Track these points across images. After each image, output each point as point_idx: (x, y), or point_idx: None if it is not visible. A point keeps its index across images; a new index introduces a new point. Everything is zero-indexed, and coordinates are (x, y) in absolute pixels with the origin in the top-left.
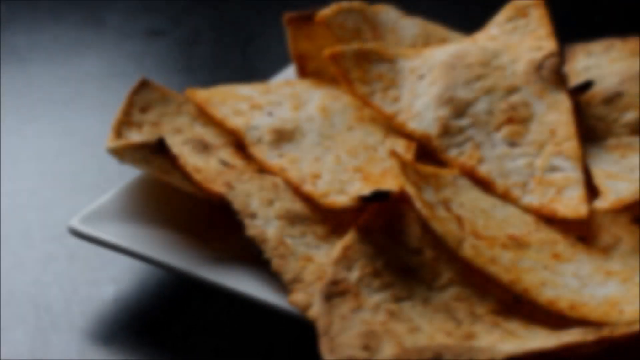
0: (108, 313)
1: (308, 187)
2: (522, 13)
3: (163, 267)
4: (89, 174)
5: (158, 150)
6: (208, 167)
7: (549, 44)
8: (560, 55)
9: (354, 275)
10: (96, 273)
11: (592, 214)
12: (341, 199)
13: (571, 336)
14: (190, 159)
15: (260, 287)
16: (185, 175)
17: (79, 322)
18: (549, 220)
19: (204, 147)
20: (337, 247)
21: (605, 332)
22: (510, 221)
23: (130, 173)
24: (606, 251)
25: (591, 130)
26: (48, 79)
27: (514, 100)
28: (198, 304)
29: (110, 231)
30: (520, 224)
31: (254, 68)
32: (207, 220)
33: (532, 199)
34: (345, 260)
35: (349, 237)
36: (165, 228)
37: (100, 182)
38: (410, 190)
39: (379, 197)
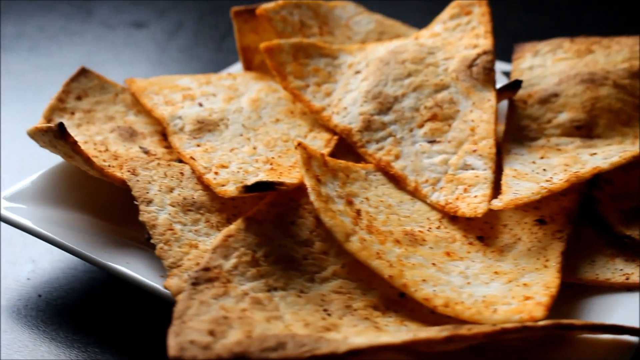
0: (22, 290)
1: (209, 177)
2: (465, 11)
3: (62, 248)
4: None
5: (59, 135)
6: (127, 154)
7: (485, 42)
8: (494, 54)
9: (230, 263)
10: (17, 253)
11: (499, 213)
12: (229, 189)
13: (425, 333)
14: (113, 145)
15: (146, 271)
16: (86, 160)
17: None
18: (454, 218)
19: (130, 135)
20: (220, 235)
21: (459, 331)
22: (413, 217)
23: None
24: (502, 251)
25: (523, 130)
26: (27, 68)
27: (440, 98)
28: (111, 284)
29: (21, 213)
30: (423, 221)
31: (227, 62)
32: (121, 206)
33: (439, 196)
34: (223, 248)
35: (233, 226)
36: (79, 212)
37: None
38: (309, 182)
39: (261, 188)
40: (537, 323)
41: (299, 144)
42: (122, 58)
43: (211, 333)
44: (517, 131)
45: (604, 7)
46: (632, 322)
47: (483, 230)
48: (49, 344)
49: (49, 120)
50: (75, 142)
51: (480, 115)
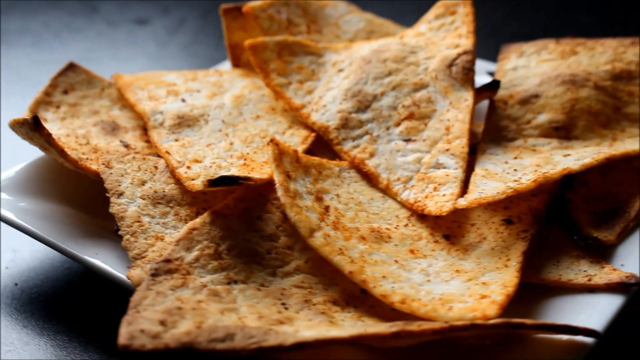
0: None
1: (180, 171)
2: (450, 11)
3: (34, 237)
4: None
5: (34, 127)
6: (107, 147)
7: (466, 42)
8: (475, 54)
9: (191, 255)
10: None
11: (467, 213)
12: (197, 183)
13: (375, 328)
14: (94, 139)
15: (114, 262)
16: (60, 152)
17: None
18: (423, 216)
19: (112, 129)
20: (184, 228)
21: (407, 327)
22: (382, 215)
23: None
24: (467, 250)
25: (502, 130)
26: (28, 62)
27: (418, 97)
28: (86, 275)
29: (3, 204)
30: (391, 218)
31: (225, 59)
32: (100, 198)
33: (409, 194)
34: (186, 241)
35: (198, 219)
36: (58, 204)
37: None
38: (277, 178)
39: (225, 182)
40: (488, 321)
41: (271, 140)
42: (121, 54)
43: (162, 323)
44: (495, 131)
45: (605, 7)
46: (591, 323)
47: (450, 229)
48: (20, 331)
49: (34, 113)
50: (50, 135)
51: (456, 114)
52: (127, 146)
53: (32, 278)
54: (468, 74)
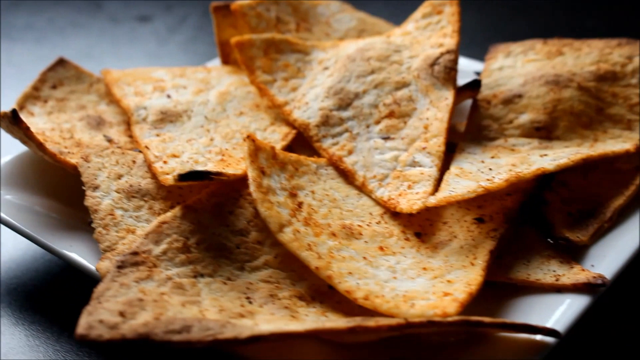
0: None
1: (156, 165)
2: (437, 10)
3: (12, 229)
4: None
5: (13, 121)
6: (91, 141)
7: (450, 42)
8: (458, 53)
9: (159, 248)
10: None
11: (441, 211)
12: (169, 177)
13: (332, 323)
14: (79, 133)
15: (87, 254)
16: (38, 146)
17: None
18: (396, 214)
19: (97, 124)
20: (155, 221)
21: (363, 323)
22: (356, 212)
23: None
24: (436, 247)
25: (484, 130)
26: (29, 58)
27: (400, 95)
28: (67, 268)
29: None
30: (365, 215)
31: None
32: (82, 191)
33: (384, 192)
34: (156, 234)
35: (169, 213)
36: (41, 197)
37: None
38: (251, 173)
39: (195, 177)
40: (446, 319)
41: (248, 136)
42: (121, 51)
43: (122, 314)
44: (477, 131)
45: (607, 9)
46: (554, 323)
47: (422, 227)
48: None
49: (21, 107)
50: (28, 128)
51: (435, 113)
52: (110, 141)
53: (13, 269)
54: (450, 73)
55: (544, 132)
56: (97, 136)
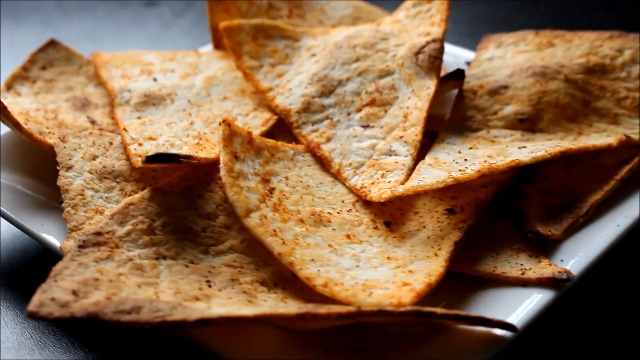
0: None
1: (131, 147)
2: None
3: None
4: None
5: None
6: (74, 122)
7: (437, 31)
8: (443, 42)
9: (123, 229)
10: None
11: (413, 201)
12: (139, 159)
13: (283, 309)
14: (63, 114)
15: (58, 233)
16: (15, 125)
17: None
18: (369, 202)
19: (82, 105)
20: (122, 202)
21: (313, 309)
22: (328, 199)
23: None
24: (404, 237)
25: (467, 120)
26: (32, 40)
27: (382, 84)
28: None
29: None
30: (337, 203)
31: None
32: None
33: (358, 180)
34: (121, 215)
35: (137, 195)
36: (23, 176)
37: None
38: (223, 157)
39: (161, 159)
40: (398, 309)
41: (224, 121)
42: (124, 35)
43: (75, 293)
44: (460, 121)
45: (616, 1)
46: (514, 317)
47: (393, 216)
48: None
49: (9, 87)
50: (5, 108)
51: (416, 102)
52: (93, 122)
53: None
54: (434, 62)
55: (528, 124)
56: (81, 117)
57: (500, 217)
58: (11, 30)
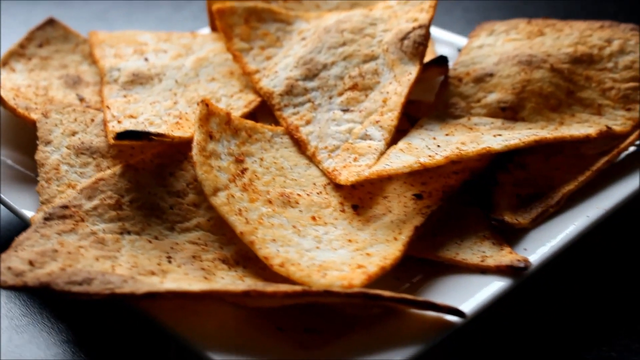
0: None
1: (110, 124)
2: None
3: None
4: None
5: None
6: (63, 99)
7: (424, 17)
8: (429, 28)
9: (91, 204)
10: None
11: (384, 185)
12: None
13: (232, 286)
14: (54, 91)
15: (33, 206)
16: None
17: None
18: (340, 185)
19: (74, 83)
20: (93, 177)
21: (258, 287)
22: (300, 181)
23: None
24: (369, 221)
25: (450, 107)
26: (36, 20)
27: (366, 68)
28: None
29: None
30: (308, 185)
31: None
32: None
33: (331, 163)
34: (90, 190)
35: (109, 171)
36: (11, 150)
37: None
38: (197, 137)
39: (131, 136)
40: (344, 290)
41: (202, 101)
42: (135, 16)
43: (31, 263)
44: (443, 108)
45: None
46: (469, 303)
47: (362, 200)
48: None
49: (4, 64)
50: None
51: (396, 87)
52: (82, 100)
53: None
54: (418, 48)
55: (510, 112)
56: (70, 94)
57: (472, 204)
58: (27, 9)
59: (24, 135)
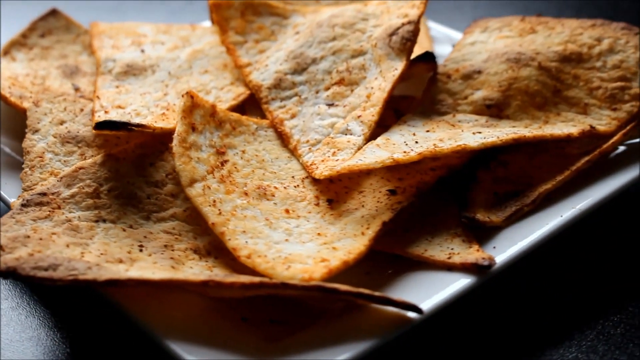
0: None
1: (96, 115)
2: None
3: None
4: None
5: None
6: (59, 89)
7: (414, 12)
8: (418, 24)
9: (69, 191)
10: None
11: (361, 180)
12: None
13: (194, 277)
14: (51, 80)
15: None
16: None
17: None
18: (317, 179)
19: (71, 73)
20: (73, 166)
21: (216, 278)
22: (279, 174)
23: None
24: (341, 215)
25: (437, 104)
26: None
27: (354, 63)
28: None
29: None
30: (286, 178)
31: None
32: None
33: (310, 156)
34: (69, 178)
35: (90, 160)
36: (10, 137)
37: None
38: (179, 128)
39: (110, 126)
40: (300, 283)
41: (187, 92)
42: (148, 7)
43: (1, 248)
44: (430, 104)
45: None
46: (430, 300)
47: (338, 194)
48: None
49: (6, 53)
50: None
51: (380, 83)
52: (77, 89)
53: None
54: (406, 44)
55: (495, 110)
56: (66, 84)
57: (450, 201)
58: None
59: (21, 123)
